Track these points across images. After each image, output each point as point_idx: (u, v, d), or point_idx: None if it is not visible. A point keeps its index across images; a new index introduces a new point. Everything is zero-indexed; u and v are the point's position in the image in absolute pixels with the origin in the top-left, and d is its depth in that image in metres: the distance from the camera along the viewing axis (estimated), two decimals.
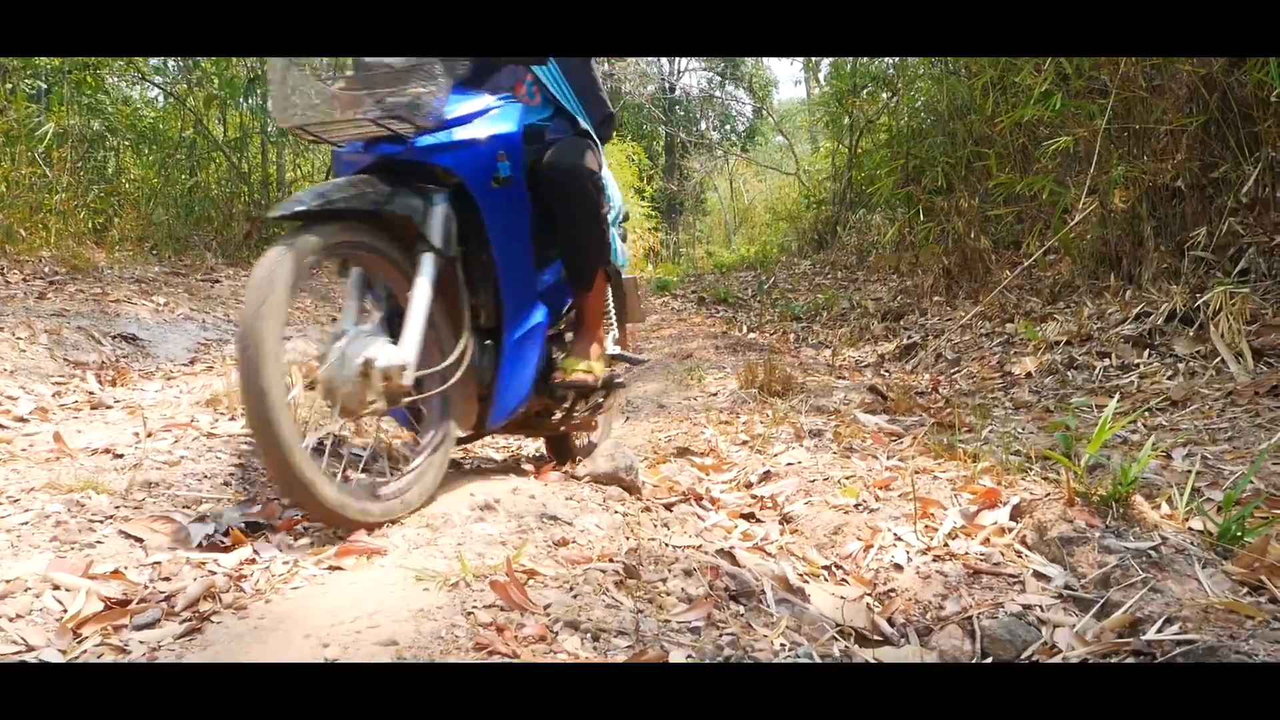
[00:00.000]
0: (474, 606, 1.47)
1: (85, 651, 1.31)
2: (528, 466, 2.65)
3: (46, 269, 6.20)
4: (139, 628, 1.40)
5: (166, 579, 1.61)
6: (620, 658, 1.34)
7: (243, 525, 1.93)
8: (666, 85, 25.45)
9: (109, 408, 3.18)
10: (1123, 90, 4.83)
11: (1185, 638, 1.61)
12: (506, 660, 1.29)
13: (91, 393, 3.49)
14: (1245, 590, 1.79)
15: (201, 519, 1.94)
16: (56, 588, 1.50)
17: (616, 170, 16.92)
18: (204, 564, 1.68)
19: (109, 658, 1.30)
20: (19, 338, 4.14)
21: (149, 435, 2.63)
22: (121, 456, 2.37)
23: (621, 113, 22.56)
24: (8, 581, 1.51)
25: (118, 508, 1.92)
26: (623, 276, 3.09)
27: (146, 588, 1.54)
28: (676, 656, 1.35)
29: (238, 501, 2.14)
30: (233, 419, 2.95)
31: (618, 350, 3.05)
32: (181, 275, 7.33)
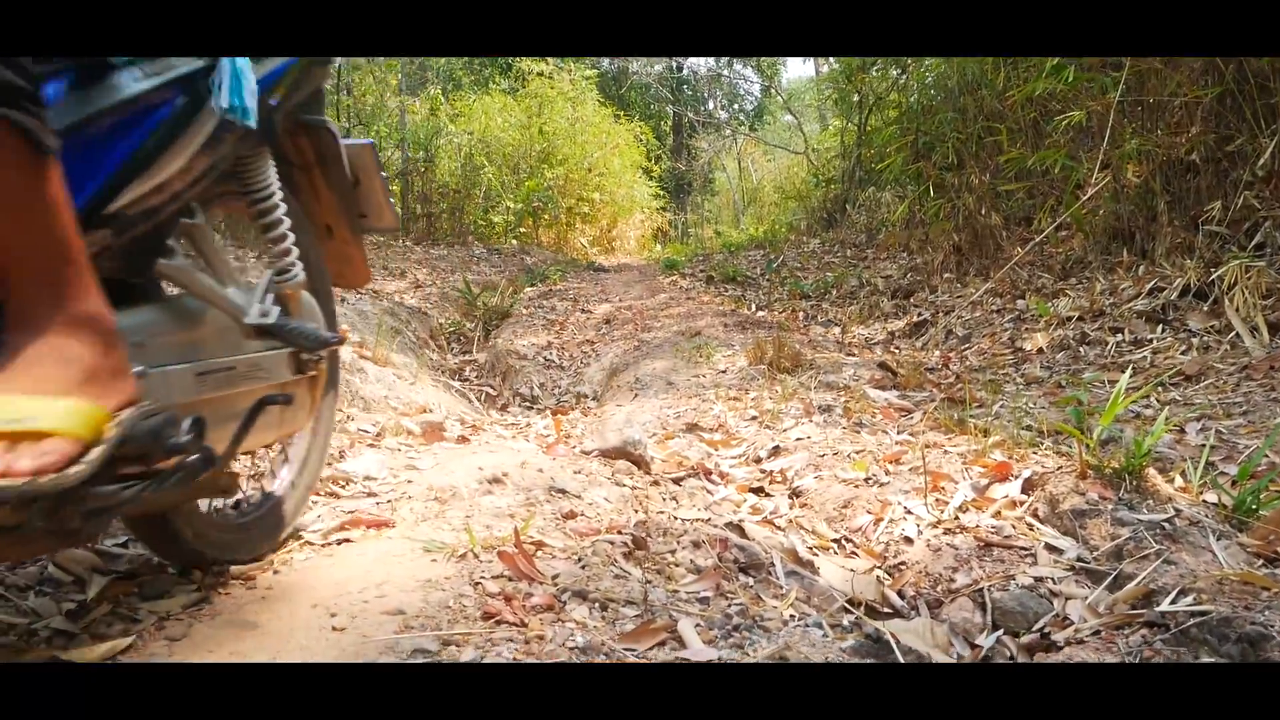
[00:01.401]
0: (482, 577, 1.47)
1: (95, 619, 1.31)
2: (537, 441, 2.64)
3: None
4: (148, 598, 1.40)
5: None
6: (629, 627, 1.33)
7: None
8: (674, 64, 25.30)
9: None
10: (1136, 63, 4.77)
11: (1199, 609, 1.59)
12: (514, 629, 1.28)
13: None
14: (1260, 562, 1.77)
15: None
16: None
17: (624, 151, 16.86)
18: None
19: (118, 627, 1.30)
20: None
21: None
22: None
23: (629, 92, 22.47)
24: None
25: None
26: (340, 140, 1.82)
27: (151, 559, 1.54)
28: (685, 626, 1.34)
29: (245, 476, 2.14)
30: None
31: (271, 317, 1.49)
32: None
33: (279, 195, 1.59)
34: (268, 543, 1.65)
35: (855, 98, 11.44)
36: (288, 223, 1.60)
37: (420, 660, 1.18)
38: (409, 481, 2.18)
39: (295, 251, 1.61)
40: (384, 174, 1.90)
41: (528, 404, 5.18)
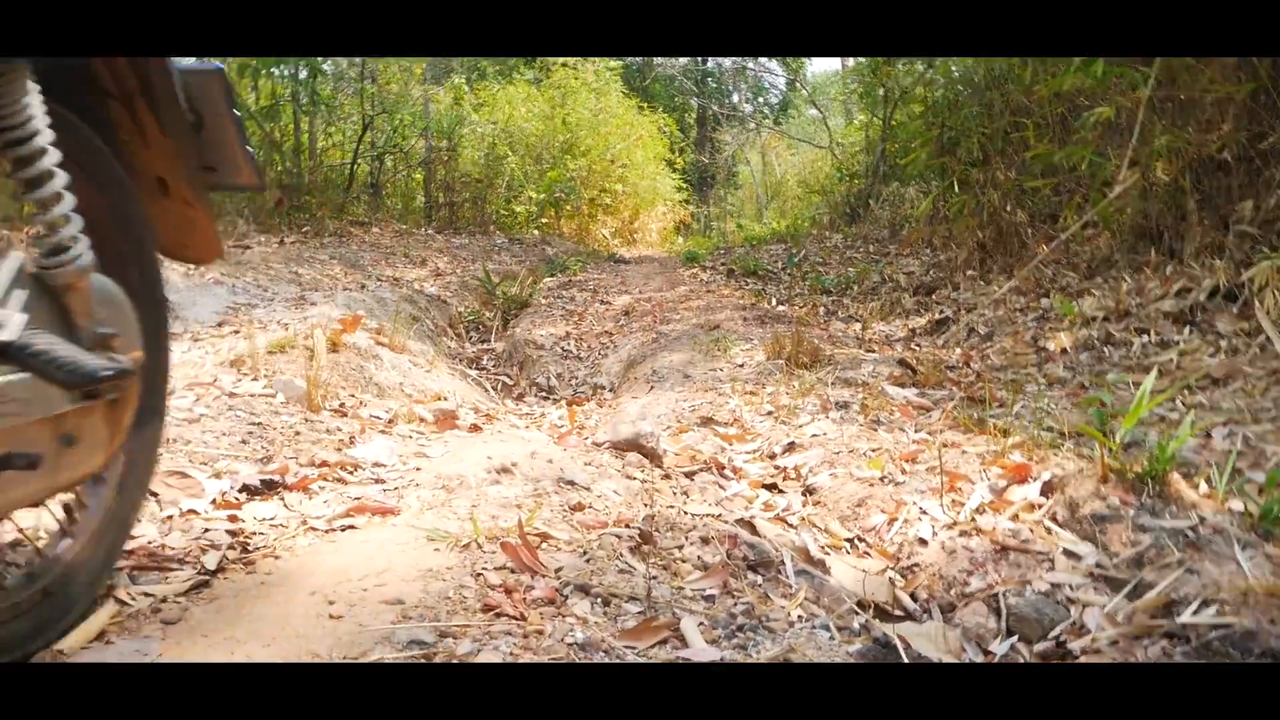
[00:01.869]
0: (484, 568, 1.44)
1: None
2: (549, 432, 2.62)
3: None
4: (145, 582, 1.38)
5: (180, 533, 1.59)
6: (630, 623, 1.30)
7: (258, 483, 1.91)
8: (699, 57, 25.16)
9: None
10: (1167, 58, 4.67)
11: (1222, 621, 1.54)
12: (513, 623, 1.25)
13: None
14: None
15: (217, 475, 1.93)
16: None
17: (648, 143, 16.79)
18: (216, 520, 1.67)
19: (108, 609, 1.28)
20: None
21: (170, 393, 2.62)
22: None
23: (653, 84, 22.39)
24: (19, 532, 1.49)
25: None
26: (171, 63, 1.34)
27: (153, 542, 1.52)
28: (688, 624, 1.31)
29: (254, 460, 2.13)
30: (255, 379, 2.94)
31: (8, 330, 1.04)
32: None
33: (46, 134, 1.13)
34: (42, 639, 1.15)
35: (880, 92, 11.33)
36: (63, 176, 1.15)
37: (416, 651, 1.15)
38: (418, 469, 2.17)
39: (76, 221, 1.17)
40: (238, 113, 1.45)
41: (544, 394, 5.16)
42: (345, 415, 2.80)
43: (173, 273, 5.41)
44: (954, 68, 8.27)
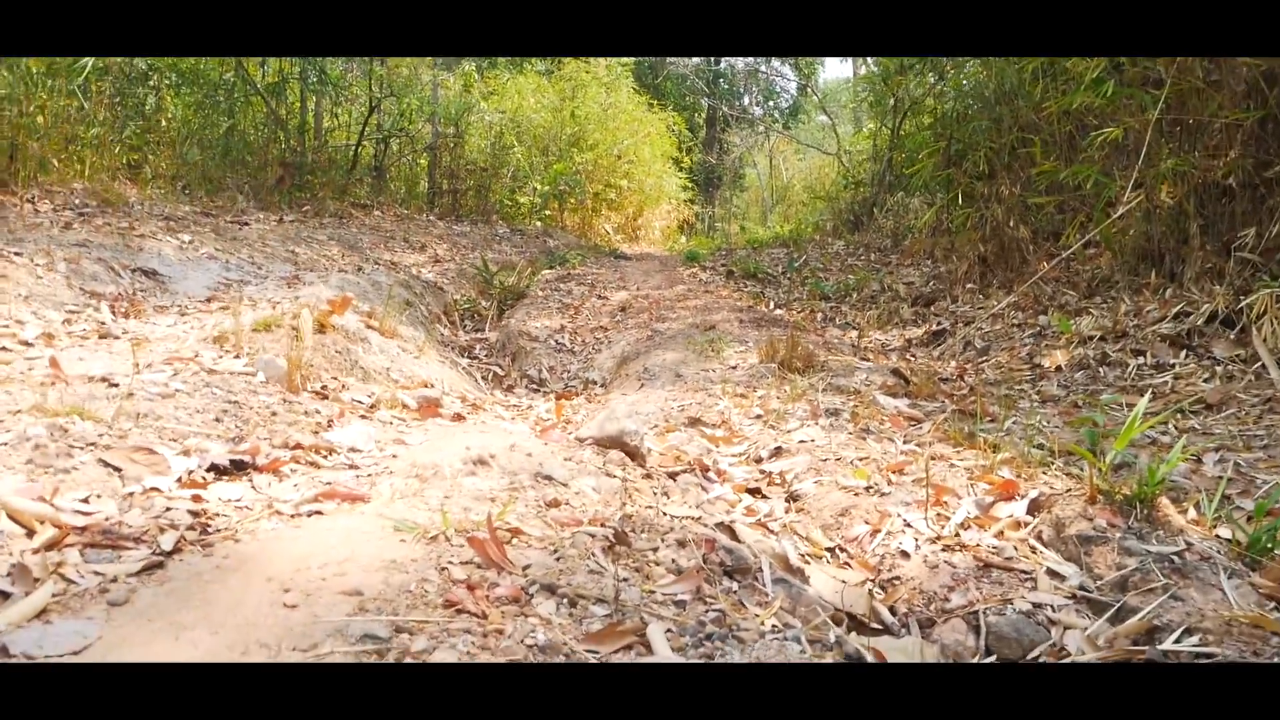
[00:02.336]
0: (450, 562, 1.40)
1: (37, 579, 1.25)
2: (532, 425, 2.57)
3: (77, 201, 6.19)
4: (96, 560, 1.34)
5: (140, 510, 1.55)
6: (596, 626, 1.26)
7: (227, 463, 1.86)
8: (711, 57, 25.08)
9: (116, 338, 3.13)
10: (1178, 82, 4.63)
11: (1204, 650, 1.51)
12: (474, 620, 1.21)
13: (102, 323, 3.45)
14: (1272, 605, 1.68)
15: (185, 453, 1.88)
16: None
17: (656, 141, 16.75)
18: (179, 499, 1.62)
19: (49, 588, 1.23)
20: (37, 264, 4.11)
21: (147, 366, 2.57)
22: (116, 386, 2.31)
23: (664, 82, 22.34)
24: None
25: (101, 435, 1.86)
26: None
27: (110, 519, 1.47)
28: (654, 631, 1.27)
29: (226, 439, 2.08)
30: (237, 357, 2.89)
31: None
32: (211, 216, 7.30)
33: None
34: None
35: (891, 101, 11.29)
36: None
37: (369, 646, 1.11)
38: (394, 456, 2.12)
39: None
40: None
41: (535, 386, 5.12)
42: (326, 398, 2.76)
43: (165, 246, 5.36)
44: (965, 81, 8.23)
